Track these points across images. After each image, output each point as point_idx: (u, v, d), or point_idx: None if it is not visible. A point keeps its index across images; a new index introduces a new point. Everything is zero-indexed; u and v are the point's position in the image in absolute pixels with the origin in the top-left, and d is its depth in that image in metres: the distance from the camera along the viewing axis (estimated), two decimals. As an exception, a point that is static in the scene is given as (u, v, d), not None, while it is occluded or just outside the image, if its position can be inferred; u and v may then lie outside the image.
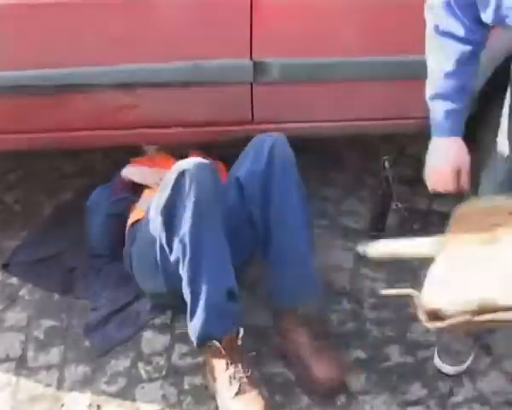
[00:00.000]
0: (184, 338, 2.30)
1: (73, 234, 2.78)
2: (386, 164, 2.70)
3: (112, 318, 2.43)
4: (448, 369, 2.25)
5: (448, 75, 1.88)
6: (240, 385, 2.02)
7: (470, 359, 2.26)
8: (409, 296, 1.68)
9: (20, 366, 2.26)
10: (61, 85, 2.39)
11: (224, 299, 2.04)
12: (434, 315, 1.64)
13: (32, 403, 2.12)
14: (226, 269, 2.06)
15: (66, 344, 2.35)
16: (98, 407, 2.11)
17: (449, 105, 1.91)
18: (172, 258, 2.06)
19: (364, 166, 3.31)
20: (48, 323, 2.42)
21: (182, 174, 1.99)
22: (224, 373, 2.05)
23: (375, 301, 2.54)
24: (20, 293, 2.56)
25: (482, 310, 1.59)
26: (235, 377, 2.03)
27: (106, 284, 2.56)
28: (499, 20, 1.73)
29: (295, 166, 2.24)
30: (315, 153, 3.20)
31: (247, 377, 2.05)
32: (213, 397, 2.12)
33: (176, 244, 2.02)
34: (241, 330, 2.12)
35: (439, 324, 1.64)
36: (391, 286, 2.58)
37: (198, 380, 2.19)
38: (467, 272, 1.69)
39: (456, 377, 2.23)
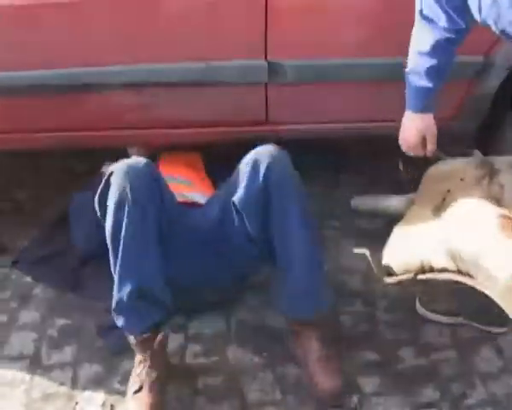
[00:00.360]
0: (198, 338, 2.32)
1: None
2: (401, 165, 2.70)
3: None
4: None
5: (422, 55, 2.02)
6: (139, 387, 2.05)
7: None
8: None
9: (34, 364, 2.26)
10: (74, 85, 2.41)
11: (130, 298, 2.03)
12: (387, 272, 2.02)
13: (46, 401, 2.13)
14: (137, 267, 2.03)
15: (80, 343, 2.36)
16: (112, 406, 2.12)
17: (421, 82, 2.06)
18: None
19: (379, 167, 3.30)
20: (61, 321, 2.43)
21: (110, 175, 2.04)
22: (135, 368, 2.10)
23: (388, 304, 2.53)
24: (34, 292, 2.57)
25: (422, 270, 1.91)
26: (138, 376, 2.06)
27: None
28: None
29: (295, 179, 2.14)
30: (328, 154, 3.21)
31: (150, 381, 2.05)
32: (227, 397, 2.13)
33: (107, 231, 2.04)
34: (160, 335, 2.09)
35: (390, 279, 1.98)
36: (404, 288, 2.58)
37: (211, 380, 2.19)
38: (414, 236, 1.98)
39: (469, 380, 2.23)
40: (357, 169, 3.33)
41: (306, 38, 2.38)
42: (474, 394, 2.19)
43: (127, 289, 2.02)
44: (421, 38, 2.02)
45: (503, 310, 2.06)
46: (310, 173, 3.25)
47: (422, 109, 2.12)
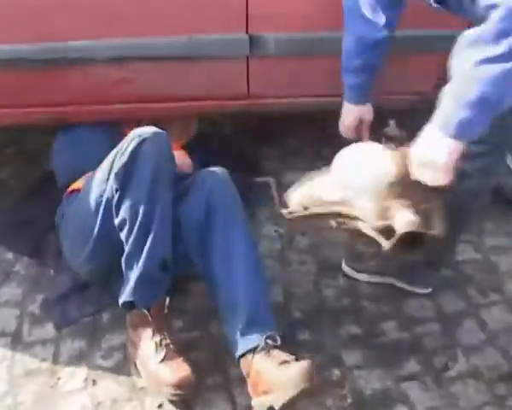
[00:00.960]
0: (179, 314, 2.32)
1: (54, 201, 2.74)
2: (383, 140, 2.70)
3: (73, 295, 2.42)
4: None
5: (348, 52, 2.19)
6: (166, 352, 2.03)
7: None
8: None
9: (16, 340, 2.25)
10: (57, 59, 2.38)
11: (157, 269, 2.05)
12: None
13: (28, 377, 2.12)
14: (167, 238, 2.07)
15: (62, 319, 2.35)
16: (94, 381, 2.11)
17: (352, 79, 2.22)
18: (118, 222, 2.04)
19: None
20: (42, 298, 2.41)
21: (142, 141, 1.99)
22: (150, 340, 2.06)
23: (371, 277, 2.54)
24: (15, 268, 2.56)
25: (313, 204, 1.97)
26: (161, 345, 2.05)
27: None
28: None
29: (238, 206, 2.17)
30: (309, 128, 3.20)
31: (172, 344, 2.07)
32: (210, 372, 2.14)
33: (127, 209, 2.01)
34: (168, 299, 2.15)
35: (284, 211, 2.00)
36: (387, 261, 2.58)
37: (194, 356, 2.18)
38: (316, 180, 2.04)
39: (452, 353, 2.25)
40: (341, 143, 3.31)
41: (288, 11, 2.36)
42: (456, 366, 2.21)
43: (156, 260, 2.04)
44: (346, 36, 2.18)
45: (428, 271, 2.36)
46: (293, 148, 3.29)
47: (357, 102, 2.25)
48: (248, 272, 2.09)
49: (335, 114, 2.31)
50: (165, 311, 2.15)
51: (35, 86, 2.44)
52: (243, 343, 2.01)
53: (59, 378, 2.13)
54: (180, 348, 2.09)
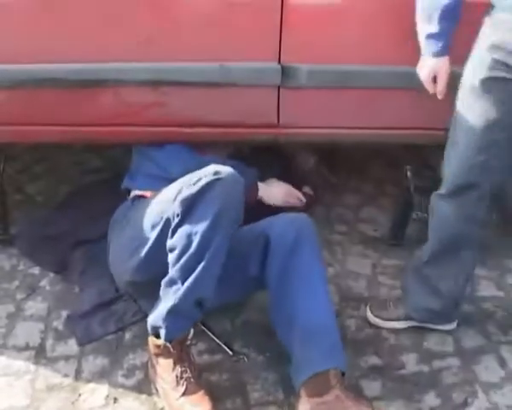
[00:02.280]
0: (202, 336, 2.34)
1: (83, 216, 2.86)
2: (409, 174, 2.72)
3: (97, 311, 2.45)
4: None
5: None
6: (186, 386, 2.04)
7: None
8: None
9: (39, 355, 2.28)
10: (90, 80, 2.41)
11: (192, 305, 2.04)
12: None
13: (50, 392, 2.14)
14: (211, 281, 2.05)
15: (85, 336, 2.38)
16: (115, 399, 2.13)
17: (430, 28, 2.11)
18: (170, 244, 2.04)
19: (387, 175, 3.33)
20: (67, 314, 2.44)
21: (217, 180, 1.98)
22: (171, 373, 2.07)
23: (393, 309, 2.55)
24: (41, 283, 2.59)
25: None
26: (182, 377, 2.06)
27: (98, 272, 2.58)
28: None
29: (319, 245, 2.25)
30: (338, 160, 3.22)
31: (193, 377, 2.07)
32: (230, 395, 2.15)
33: (182, 236, 1.99)
34: (192, 331, 2.14)
35: None
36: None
37: (215, 378, 2.21)
38: None
39: (471, 389, 2.24)
40: (367, 176, 3.36)
41: (320, 43, 2.39)
42: (476, 402, 2.20)
43: (193, 298, 2.03)
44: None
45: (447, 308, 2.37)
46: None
47: (435, 54, 2.16)
48: (328, 299, 2.17)
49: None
50: (189, 342, 2.14)
51: (66, 106, 2.47)
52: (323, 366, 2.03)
53: (80, 395, 2.14)
54: (201, 381, 2.10)
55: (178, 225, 2.00)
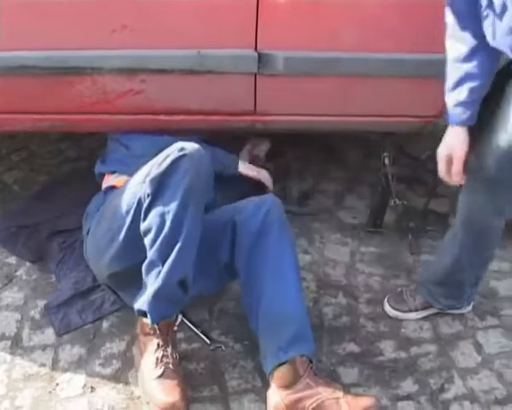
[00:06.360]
0: (180, 325, 2.31)
1: (60, 206, 2.85)
2: (386, 161, 2.73)
3: (75, 301, 2.44)
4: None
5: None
6: (164, 370, 2.04)
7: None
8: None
9: (16, 344, 2.27)
10: (66, 68, 2.39)
11: (176, 287, 2.04)
12: None
13: (27, 382, 2.14)
14: (190, 258, 2.05)
15: (62, 325, 2.37)
16: (92, 388, 2.13)
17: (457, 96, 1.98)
18: (143, 227, 2.03)
19: (364, 163, 3.34)
20: (44, 303, 2.43)
21: (183, 156, 1.98)
22: (153, 354, 2.08)
23: (370, 297, 2.57)
24: (18, 273, 2.58)
25: None
26: (161, 361, 2.06)
27: (75, 261, 2.58)
28: None
29: (289, 225, 2.25)
30: (316, 148, 3.22)
31: (172, 364, 2.07)
32: (207, 384, 2.15)
33: (155, 216, 2.00)
34: (180, 317, 2.16)
35: None
36: (387, 282, 2.61)
37: (193, 366, 2.21)
38: None
39: (448, 375, 2.26)
40: (345, 164, 3.36)
41: (297, 30, 2.38)
42: (453, 388, 2.22)
43: (175, 278, 2.02)
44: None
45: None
46: (299, 165, 3.32)
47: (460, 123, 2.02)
48: (297, 287, 2.15)
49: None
50: (175, 328, 2.15)
51: (44, 94, 2.45)
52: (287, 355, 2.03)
53: (57, 384, 2.14)
54: (179, 370, 2.09)
55: (150, 206, 2.01)
